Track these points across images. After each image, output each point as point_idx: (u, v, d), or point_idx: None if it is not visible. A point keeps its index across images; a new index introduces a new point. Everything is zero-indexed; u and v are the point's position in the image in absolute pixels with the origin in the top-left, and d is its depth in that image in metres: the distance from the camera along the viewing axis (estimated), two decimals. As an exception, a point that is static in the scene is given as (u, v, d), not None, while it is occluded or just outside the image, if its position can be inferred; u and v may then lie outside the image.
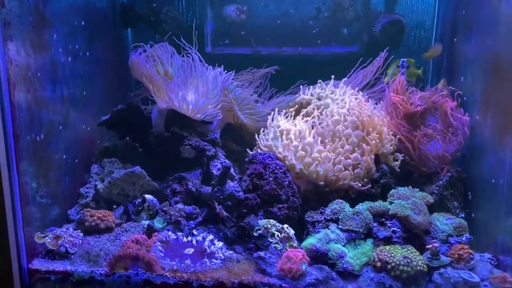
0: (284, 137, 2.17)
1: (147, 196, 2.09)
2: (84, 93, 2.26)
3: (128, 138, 2.34)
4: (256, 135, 2.30)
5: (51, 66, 1.93)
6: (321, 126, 2.20)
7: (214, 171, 2.24)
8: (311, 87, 2.49)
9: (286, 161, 2.11)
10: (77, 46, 2.17)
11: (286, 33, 2.84)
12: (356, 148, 2.08)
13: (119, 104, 2.34)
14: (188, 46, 2.42)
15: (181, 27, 2.75)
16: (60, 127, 2.01)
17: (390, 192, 2.05)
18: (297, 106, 2.45)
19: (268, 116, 2.34)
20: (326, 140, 2.16)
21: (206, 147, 2.21)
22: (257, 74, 2.63)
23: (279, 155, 2.12)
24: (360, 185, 2.04)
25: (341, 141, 2.08)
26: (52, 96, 1.94)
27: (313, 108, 2.32)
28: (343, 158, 2.06)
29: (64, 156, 2.04)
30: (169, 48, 2.40)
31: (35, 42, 1.80)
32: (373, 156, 2.07)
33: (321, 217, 1.97)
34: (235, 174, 2.28)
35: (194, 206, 2.07)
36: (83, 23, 2.23)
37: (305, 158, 2.08)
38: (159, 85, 2.16)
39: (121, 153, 2.29)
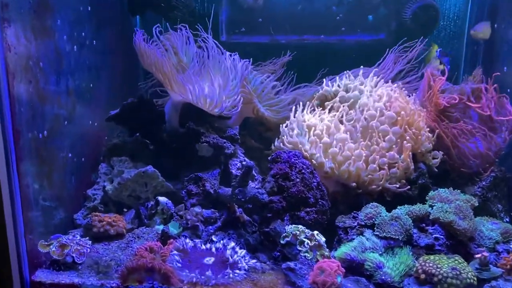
0: (311, 133, 1.98)
1: (161, 199, 1.90)
2: (91, 85, 2.07)
3: (138, 134, 2.14)
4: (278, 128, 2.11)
5: (55, 55, 1.74)
6: (351, 121, 2.00)
7: (233, 171, 2.05)
8: (337, 77, 2.29)
9: (313, 160, 1.91)
10: (83, 34, 1.98)
11: (307, 20, 2.65)
12: (393, 146, 1.87)
13: (129, 97, 2.15)
14: (203, 33, 2.22)
15: (193, 14, 2.58)
16: (65, 122, 1.83)
17: (430, 194, 1.85)
18: (321, 98, 2.25)
19: (290, 108, 2.15)
20: (358, 135, 1.96)
21: (225, 145, 2.02)
22: (277, 63, 2.43)
23: (305, 153, 1.93)
24: (397, 186, 1.85)
25: (375, 138, 1.88)
26: (56, 88, 1.76)
27: (340, 101, 2.12)
28: (378, 156, 1.86)
29: (70, 155, 1.86)
30: (183, 35, 2.18)
31: (37, 27, 1.61)
32: (410, 155, 1.87)
33: (354, 223, 1.78)
34: (255, 174, 2.09)
35: (212, 209, 1.89)
36: (89, 9, 2.04)
37: (336, 156, 1.88)
38: (173, 76, 1.96)
39: (131, 151, 2.10)
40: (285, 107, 2.33)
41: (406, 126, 1.87)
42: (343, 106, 2.08)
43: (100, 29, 2.15)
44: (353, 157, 1.85)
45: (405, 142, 1.84)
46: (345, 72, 2.31)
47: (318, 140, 1.94)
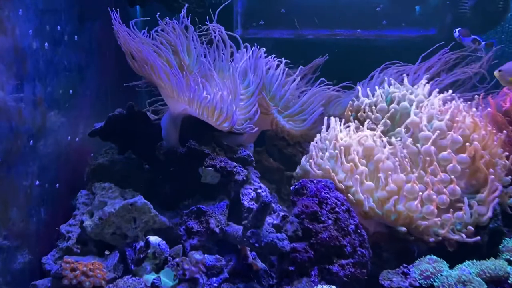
0: (343, 156, 1.53)
1: (152, 239, 1.49)
2: (71, 91, 1.69)
3: (130, 151, 1.74)
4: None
5: (14, 55, 1.34)
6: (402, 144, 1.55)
7: (245, 202, 1.63)
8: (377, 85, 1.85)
9: (349, 194, 1.47)
10: (58, 28, 1.59)
11: (339, 11, 2.34)
12: (455, 179, 1.40)
13: (126, 104, 1.73)
14: (215, 26, 1.80)
15: (203, 4, 2.21)
16: (31, 141, 1.43)
17: (506, 244, 1.39)
18: (357, 110, 1.81)
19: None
20: (407, 162, 1.50)
21: (235, 170, 1.60)
22: (303, 70, 2.02)
23: (339, 184, 1.49)
24: (464, 236, 1.37)
25: (433, 167, 1.41)
26: (16, 97, 1.36)
27: (381, 115, 1.68)
28: (433, 192, 1.40)
29: (37, 182, 1.47)
30: (183, 30, 1.76)
31: (-15, 19, 1.21)
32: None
33: (405, 283, 1.34)
34: (273, 205, 1.67)
35: (217, 256, 1.48)
36: (69, -4, 1.64)
37: (376, 191, 1.44)
38: (171, 82, 1.54)
39: (120, 173, 1.72)
40: (311, 113, 1.90)
41: (482, 152, 1.39)
42: (386, 121, 1.64)
43: (84, 21, 1.77)
44: (404, 193, 1.40)
45: (492, 176, 1.36)
46: (376, 71, 1.91)
47: (354, 167, 1.49)
